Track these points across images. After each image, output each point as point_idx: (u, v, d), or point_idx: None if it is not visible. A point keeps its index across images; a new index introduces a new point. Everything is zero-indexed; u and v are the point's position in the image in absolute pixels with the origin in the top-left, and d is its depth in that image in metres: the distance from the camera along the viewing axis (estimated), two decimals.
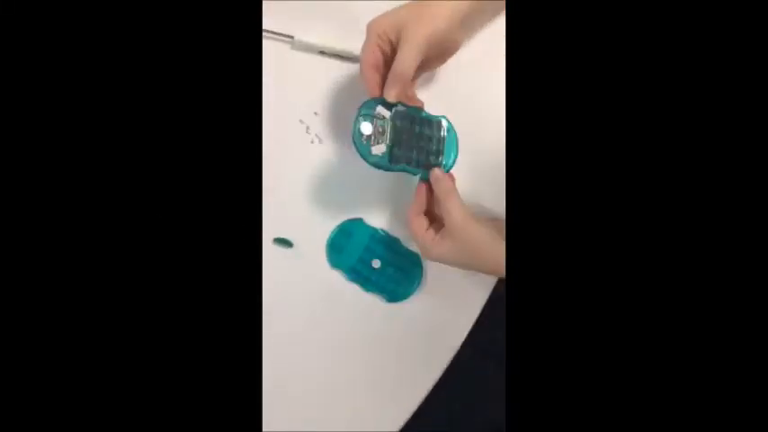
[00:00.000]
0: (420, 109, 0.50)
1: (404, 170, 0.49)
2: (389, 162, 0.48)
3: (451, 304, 0.56)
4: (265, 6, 0.48)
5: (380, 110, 0.48)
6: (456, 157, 0.50)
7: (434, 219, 0.50)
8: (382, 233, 0.56)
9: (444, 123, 0.50)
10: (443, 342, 0.55)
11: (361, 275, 0.55)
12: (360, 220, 0.56)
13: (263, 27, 0.56)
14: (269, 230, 0.55)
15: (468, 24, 0.51)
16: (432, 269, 0.55)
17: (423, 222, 0.50)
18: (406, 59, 0.46)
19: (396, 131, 0.48)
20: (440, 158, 0.50)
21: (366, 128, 0.47)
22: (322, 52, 0.57)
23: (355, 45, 0.51)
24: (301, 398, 0.54)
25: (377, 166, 0.48)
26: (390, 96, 0.47)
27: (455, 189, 0.48)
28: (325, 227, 0.55)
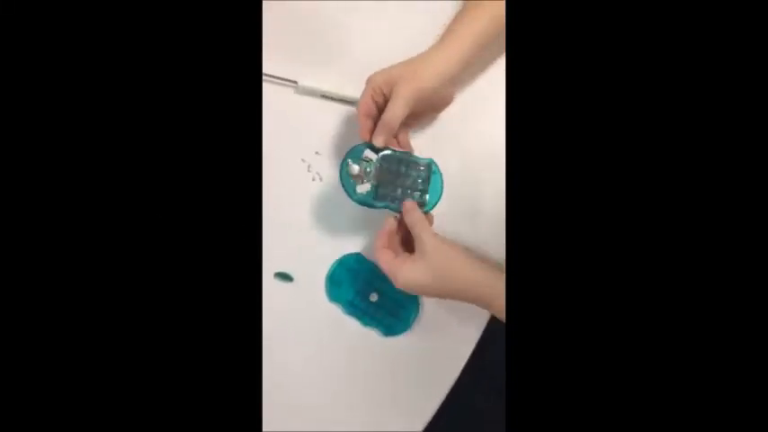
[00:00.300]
0: (409, 153, 0.54)
1: (387, 207, 0.52)
2: (373, 199, 0.52)
3: (449, 336, 0.57)
4: (271, 53, 0.52)
5: (368, 153, 0.52)
6: (440, 197, 0.53)
7: (401, 252, 0.52)
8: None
9: (430, 165, 0.53)
10: (441, 373, 0.56)
11: (358, 309, 0.57)
12: (358, 255, 0.58)
13: (270, 72, 0.59)
14: (270, 264, 0.57)
15: (459, 80, 0.56)
16: (429, 303, 0.57)
17: (390, 252, 0.51)
18: (393, 111, 0.51)
19: (381, 172, 0.52)
20: (424, 197, 0.53)
21: (353, 168, 0.51)
22: (324, 96, 0.60)
23: (355, 90, 0.54)
24: (299, 427, 0.55)
25: (360, 202, 0.52)
26: (378, 142, 0.51)
27: (425, 218, 0.51)
28: (325, 261, 0.58)
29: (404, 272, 0.49)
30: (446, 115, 0.60)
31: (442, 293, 0.50)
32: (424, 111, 0.57)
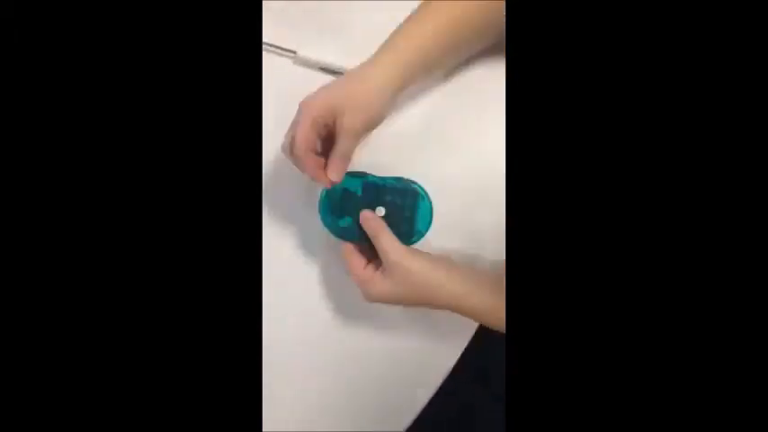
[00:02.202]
0: (395, 178, 0.49)
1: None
2: (356, 236, 0.49)
3: (443, 329, 0.55)
4: (270, 21, 0.49)
5: (349, 184, 0.49)
6: (429, 224, 0.49)
7: (372, 259, 0.49)
8: (372, 179, 0.50)
9: (416, 191, 0.49)
10: (433, 367, 0.54)
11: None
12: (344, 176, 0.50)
13: (268, 41, 0.56)
14: (267, 236, 0.54)
15: (399, 96, 0.50)
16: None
17: (360, 260, 0.48)
18: (347, 147, 0.46)
19: (364, 203, 0.49)
20: (413, 227, 0.49)
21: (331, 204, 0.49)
22: (322, 69, 0.57)
23: (354, 63, 0.51)
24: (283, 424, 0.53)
25: (343, 238, 0.49)
26: (336, 178, 0.46)
27: (385, 226, 0.47)
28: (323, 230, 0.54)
29: (374, 286, 0.46)
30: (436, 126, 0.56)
31: (418, 304, 0.47)
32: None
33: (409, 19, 0.49)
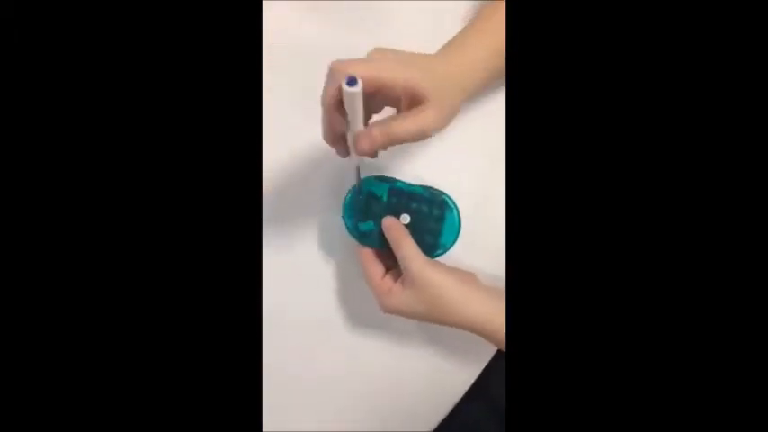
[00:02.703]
0: (423, 186, 0.47)
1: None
2: (377, 242, 0.46)
3: (459, 349, 0.52)
4: None
5: (375, 188, 0.47)
6: (455, 239, 0.46)
7: (392, 265, 0.47)
8: (400, 185, 0.47)
9: (445, 201, 0.47)
10: (444, 392, 0.52)
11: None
12: (371, 179, 0.48)
13: None
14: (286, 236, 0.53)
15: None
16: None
17: (378, 269, 0.46)
18: (405, 133, 0.37)
19: (389, 209, 0.46)
20: (437, 239, 0.46)
21: (356, 205, 0.47)
22: None
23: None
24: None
25: (363, 242, 0.47)
26: (366, 149, 0.38)
27: (407, 234, 0.45)
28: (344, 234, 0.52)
29: (392, 299, 0.44)
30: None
31: (434, 320, 0.44)
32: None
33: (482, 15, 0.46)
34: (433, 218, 0.46)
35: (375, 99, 0.39)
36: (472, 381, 0.51)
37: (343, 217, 0.48)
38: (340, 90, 0.35)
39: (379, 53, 0.39)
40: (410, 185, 0.47)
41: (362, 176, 0.46)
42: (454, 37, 0.45)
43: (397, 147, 0.39)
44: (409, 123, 0.37)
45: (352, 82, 0.34)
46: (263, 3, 0.45)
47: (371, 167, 0.49)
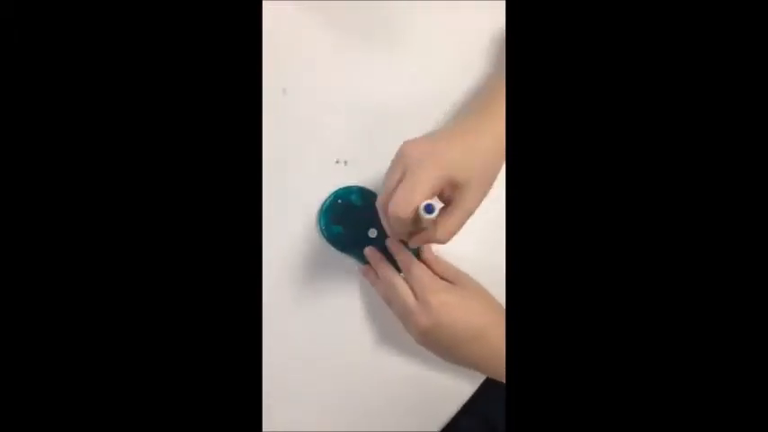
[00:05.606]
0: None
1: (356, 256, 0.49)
2: (346, 246, 0.49)
3: (453, 367, 0.52)
4: None
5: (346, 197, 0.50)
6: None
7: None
8: (369, 192, 0.50)
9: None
10: (439, 407, 0.52)
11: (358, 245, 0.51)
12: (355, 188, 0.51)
13: None
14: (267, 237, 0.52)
15: None
16: None
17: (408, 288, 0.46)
18: (464, 216, 0.40)
19: (361, 216, 0.49)
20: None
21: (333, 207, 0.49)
22: None
23: None
24: None
25: (334, 245, 0.50)
26: (445, 239, 0.40)
27: (413, 256, 0.47)
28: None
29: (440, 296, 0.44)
30: None
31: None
32: None
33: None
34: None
35: None
36: (468, 395, 0.52)
37: (318, 221, 0.50)
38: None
39: (414, 160, 0.39)
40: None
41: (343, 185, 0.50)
42: (480, 97, 0.46)
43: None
44: (455, 222, 0.40)
45: (430, 210, 0.37)
46: (263, 3, 0.45)
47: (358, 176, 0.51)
